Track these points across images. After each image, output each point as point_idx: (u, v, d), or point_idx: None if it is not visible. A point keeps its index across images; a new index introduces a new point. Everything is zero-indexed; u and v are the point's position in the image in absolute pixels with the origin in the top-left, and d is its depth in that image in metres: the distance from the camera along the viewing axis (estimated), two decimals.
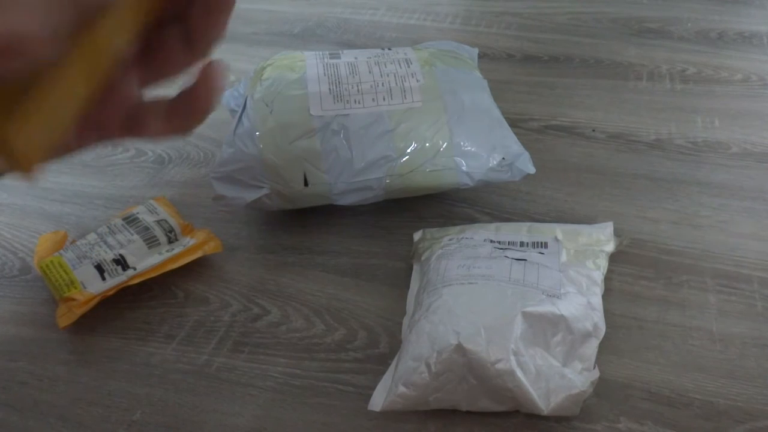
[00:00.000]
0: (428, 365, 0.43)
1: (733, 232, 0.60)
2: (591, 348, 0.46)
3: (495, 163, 0.59)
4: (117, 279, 0.53)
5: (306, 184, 0.57)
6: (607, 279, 0.53)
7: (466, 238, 0.54)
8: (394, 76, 0.60)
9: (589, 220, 0.61)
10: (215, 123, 0.78)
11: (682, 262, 0.56)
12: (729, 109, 0.77)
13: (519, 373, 0.42)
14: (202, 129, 0.77)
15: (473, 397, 0.44)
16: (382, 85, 0.59)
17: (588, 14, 1.02)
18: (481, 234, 0.54)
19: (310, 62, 0.61)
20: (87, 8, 0.20)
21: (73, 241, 0.57)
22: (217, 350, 0.51)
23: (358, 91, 0.58)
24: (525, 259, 0.50)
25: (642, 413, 0.45)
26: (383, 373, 0.46)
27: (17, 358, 0.51)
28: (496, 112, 0.62)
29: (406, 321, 0.50)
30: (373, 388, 0.46)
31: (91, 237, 0.56)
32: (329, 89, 0.58)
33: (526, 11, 1.03)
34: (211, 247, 0.57)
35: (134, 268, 0.54)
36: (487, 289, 0.46)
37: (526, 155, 0.60)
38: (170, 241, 0.57)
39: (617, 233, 0.58)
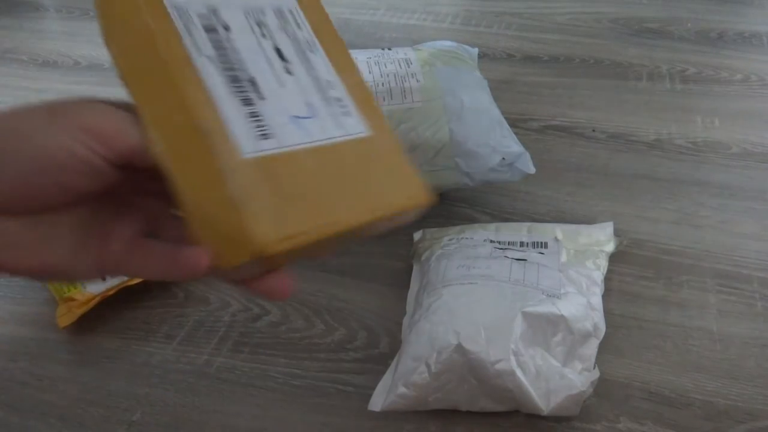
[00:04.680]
0: (428, 365, 0.43)
1: (733, 232, 0.60)
2: (591, 348, 0.46)
3: (495, 163, 0.59)
4: (117, 279, 0.53)
5: None
6: (607, 279, 0.53)
7: (466, 238, 0.54)
8: (394, 77, 0.60)
9: (589, 220, 0.61)
10: None
11: (682, 262, 0.56)
12: (729, 109, 0.77)
13: (519, 373, 0.42)
14: None
15: (473, 397, 0.44)
16: (382, 85, 0.59)
17: (588, 14, 1.02)
18: (481, 234, 0.54)
19: None
20: None
21: None
22: (217, 350, 0.51)
23: None
24: (525, 259, 0.50)
25: (642, 413, 0.45)
26: (383, 373, 0.46)
27: (17, 358, 0.51)
28: (496, 112, 0.62)
29: (406, 321, 0.50)
30: (373, 388, 0.46)
31: None
32: None
33: (526, 11, 1.03)
34: None
35: None
36: (487, 289, 0.46)
37: (526, 155, 0.60)
38: None
39: (617, 233, 0.58)
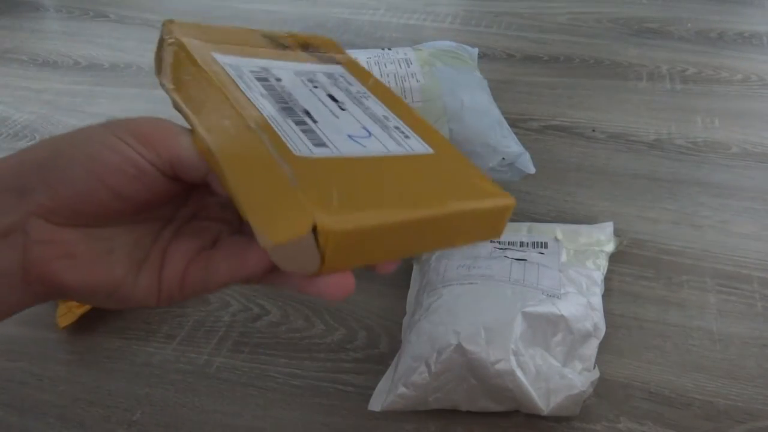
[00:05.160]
0: (428, 365, 0.43)
1: (733, 232, 0.60)
2: (591, 348, 0.46)
3: (495, 163, 0.59)
4: None
5: None
6: (607, 279, 0.53)
7: None
8: (394, 77, 0.60)
9: (589, 220, 0.61)
10: None
11: (682, 262, 0.56)
12: (729, 109, 0.77)
13: (519, 373, 0.42)
14: None
15: (473, 397, 0.44)
16: None
17: (588, 14, 1.02)
18: None
19: None
20: None
21: None
22: (217, 350, 0.51)
23: None
24: (525, 259, 0.50)
25: (642, 413, 0.45)
26: (383, 373, 0.46)
27: (17, 358, 0.51)
28: (496, 112, 0.62)
29: (406, 321, 0.50)
30: (373, 388, 0.46)
31: None
32: None
33: (526, 11, 1.03)
34: None
35: None
36: (487, 289, 0.46)
37: (526, 155, 0.60)
38: None
39: (617, 233, 0.58)
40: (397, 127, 0.29)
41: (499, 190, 0.27)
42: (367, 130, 0.27)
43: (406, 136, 0.28)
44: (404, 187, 0.25)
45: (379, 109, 0.30)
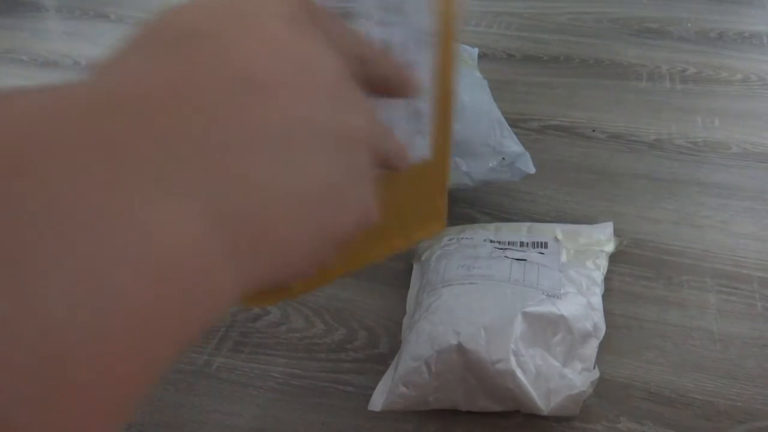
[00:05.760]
0: (428, 365, 0.43)
1: (733, 232, 0.60)
2: (591, 348, 0.46)
3: (495, 163, 0.59)
4: None
5: None
6: (607, 279, 0.53)
7: (466, 238, 0.54)
8: None
9: (589, 220, 0.61)
10: None
11: (682, 262, 0.56)
12: (729, 109, 0.77)
13: (519, 373, 0.42)
14: None
15: (473, 397, 0.44)
16: None
17: (588, 14, 1.02)
18: (481, 234, 0.54)
19: None
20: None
21: None
22: (217, 350, 0.51)
23: None
24: (525, 259, 0.50)
25: (642, 413, 0.45)
26: (383, 373, 0.46)
27: None
28: (496, 112, 0.62)
29: (406, 321, 0.50)
30: (373, 388, 0.45)
31: None
32: None
33: (526, 11, 1.03)
34: None
35: None
36: (487, 289, 0.46)
37: (526, 155, 0.60)
38: None
39: (617, 233, 0.57)
40: (420, 113, 0.27)
41: (440, 218, 0.30)
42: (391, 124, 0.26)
43: (420, 132, 0.27)
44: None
45: (425, 71, 0.26)
